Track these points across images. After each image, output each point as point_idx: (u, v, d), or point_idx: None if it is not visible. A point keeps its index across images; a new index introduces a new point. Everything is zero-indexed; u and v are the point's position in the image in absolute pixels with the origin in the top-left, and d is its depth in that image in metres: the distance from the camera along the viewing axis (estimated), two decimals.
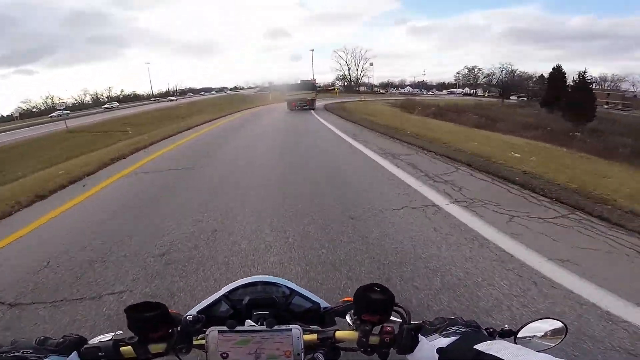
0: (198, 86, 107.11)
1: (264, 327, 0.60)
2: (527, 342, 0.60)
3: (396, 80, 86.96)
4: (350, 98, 41.19)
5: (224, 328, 0.60)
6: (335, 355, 0.64)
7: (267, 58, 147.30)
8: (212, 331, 0.60)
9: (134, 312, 0.55)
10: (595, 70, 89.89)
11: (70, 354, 0.55)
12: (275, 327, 0.60)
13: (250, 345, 0.59)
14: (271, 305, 0.69)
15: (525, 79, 67.71)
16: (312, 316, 0.71)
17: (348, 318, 0.66)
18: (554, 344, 0.60)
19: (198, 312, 0.67)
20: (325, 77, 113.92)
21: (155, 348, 0.58)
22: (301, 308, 0.71)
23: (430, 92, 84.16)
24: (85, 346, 0.57)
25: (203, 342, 0.61)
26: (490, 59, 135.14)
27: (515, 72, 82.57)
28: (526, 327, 0.60)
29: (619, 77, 66.82)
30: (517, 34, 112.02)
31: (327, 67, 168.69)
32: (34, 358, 0.52)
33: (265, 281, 0.72)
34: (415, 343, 0.58)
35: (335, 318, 0.71)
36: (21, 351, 0.53)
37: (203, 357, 0.60)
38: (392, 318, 0.62)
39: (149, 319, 0.55)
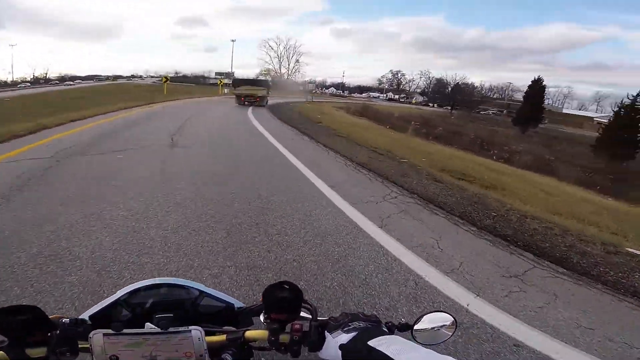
0: (85, 73, 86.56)
1: (156, 330, 0.58)
2: (423, 334, 0.63)
3: (318, 80, 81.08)
4: (285, 98, 32.76)
5: (109, 331, 0.57)
6: (247, 356, 0.63)
7: (178, 47, 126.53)
8: (96, 334, 0.57)
9: (3, 316, 0.52)
10: (476, 79, 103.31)
11: None
12: (171, 329, 0.58)
13: (144, 348, 0.58)
14: (177, 308, 0.65)
15: (472, 89, 67.37)
16: (227, 317, 0.69)
17: (262, 317, 0.64)
18: (446, 337, 0.64)
19: (91, 316, 0.63)
20: (246, 71, 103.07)
21: (34, 352, 0.55)
22: (212, 309, 0.69)
23: (347, 94, 79.99)
24: None
25: (88, 345, 0.57)
26: (397, 65, 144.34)
27: (431, 79, 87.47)
28: (421, 320, 0.63)
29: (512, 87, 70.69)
30: (422, 42, 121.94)
31: (247, 61, 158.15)
32: None
33: (171, 283, 0.68)
34: (323, 340, 0.58)
35: (254, 318, 0.69)
36: None
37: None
38: (303, 315, 0.62)
39: (19, 323, 0.53)
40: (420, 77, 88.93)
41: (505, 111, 61.86)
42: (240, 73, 78.35)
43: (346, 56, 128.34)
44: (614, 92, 71.61)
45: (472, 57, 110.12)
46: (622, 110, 24.64)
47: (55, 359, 0.56)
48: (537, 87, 37.98)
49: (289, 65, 72.17)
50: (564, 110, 68.67)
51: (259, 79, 25.35)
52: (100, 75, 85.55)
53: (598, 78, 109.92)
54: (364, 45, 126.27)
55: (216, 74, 74.60)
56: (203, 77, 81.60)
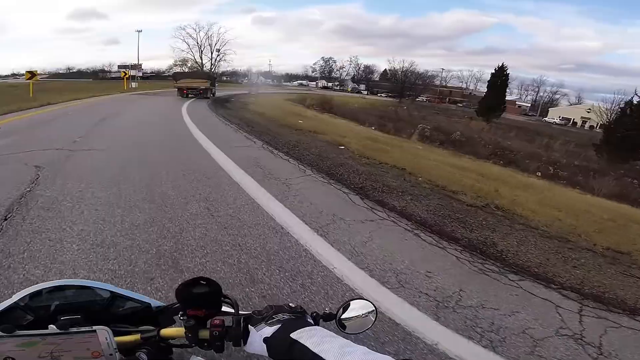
0: None
1: (56, 330, 0.57)
2: (348, 322, 0.64)
3: (241, 69, 73.74)
4: (223, 91, 26.34)
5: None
6: (165, 354, 0.63)
7: (72, 42, 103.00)
8: None
9: None
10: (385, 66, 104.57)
11: None
12: (73, 329, 0.57)
13: (41, 347, 0.56)
14: (86, 310, 0.63)
15: (420, 76, 63.10)
16: (145, 317, 0.67)
17: (180, 315, 0.63)
18: (369, 324, 0.66)
19: None
20: (158, 63, 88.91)
21: None
22: (127, 310, 0.67)
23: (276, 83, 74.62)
24: None
25: None
26: (320, 52, 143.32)
27: (360, 66, 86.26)
28: (344, 309, 0.64)
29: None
30: (343, 30, 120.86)
31: (159, 52, 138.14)
32: None
33: (78, 285, 0.65)
34: (247, 334, 0.57)
35: (176, 317, 0.66)
36: None
37: None
38: (225, 310, 0.61)
39: None
40: (350, 64, 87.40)
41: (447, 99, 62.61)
42: (150, 65, 66.73)
43: (270, 45, 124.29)
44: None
45: (387, 44, 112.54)
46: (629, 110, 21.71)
47: None
48: (501, 76, 36.29)
49: (211, 54, 63.12)
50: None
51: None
52: None
53: (491, 62, 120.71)
54: (288, 33, 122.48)
55: (119, 66, 63.41)
56: (103, 70, 68.29)
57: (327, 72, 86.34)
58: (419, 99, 60.32)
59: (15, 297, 0.62)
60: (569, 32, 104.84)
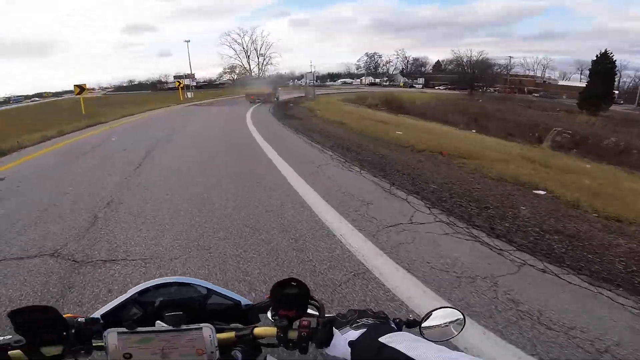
0: (31, 92, 73.98)
1: (168, 327, 0.59)
2: (431, 331, 0.61)
3: (285, 72, 72.88)
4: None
5: (123, 329, 0.57)
6: (255, 352, 0.64)
7: (127, 55, 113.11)
8: (111, 332, 0.57)
9: (21, 316, 0.53)
10: (435, 56, 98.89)
11: None
12: (183, 327, 0.58)
13: (155, 344, 0.58)
14: (186, 306, 0.64)
15: (491, 66, 55.74)
16: (234, 314, 0.69)
17: (269, 314, 0.64)
18: (454, 334, 0.62)
19: (103, 315, 0.63)
20: (209, 72, 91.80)
21: (50, 351, 0.56)
22: (220, 307, 0.69)
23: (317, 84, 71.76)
24: None
25: (103, 344, 0.58)
26: (357, 49, 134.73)
27: (408, 59, 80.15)
28: (429, 317, 0.62)
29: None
30: (378, 24, 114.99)
31: (208, 60, 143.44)
32: None
33: (180, 282, 0.68)
34: (330, 336, 0.57)
35: (261, 315, 0.68)
36: None
37: (105, 358, 0.57)
38: (310, 312, 0.62)
39: (36, 323, 0.54)
40: (397, 58, 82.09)
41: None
42: (201, 74, 68.34)
43: (307, 46, 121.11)
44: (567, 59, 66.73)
45: (428, 35, 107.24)
46: None
47: (70, 357, 0.57)
48: (606, 62, 31.20)
49: (258, 59, 62.79)
50: (560, 82, 62.09)
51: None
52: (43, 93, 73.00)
53: (550, 47, 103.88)
54: (323, 33, 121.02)
55: (174, 77, 65.35)
56: (160, 82, 71.30)
57: (373, 67, 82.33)
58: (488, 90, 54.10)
59: (130, 293, 0.65)
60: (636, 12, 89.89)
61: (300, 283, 0.58)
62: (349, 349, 0.53)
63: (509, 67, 62.18)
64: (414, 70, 79.00)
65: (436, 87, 60.08)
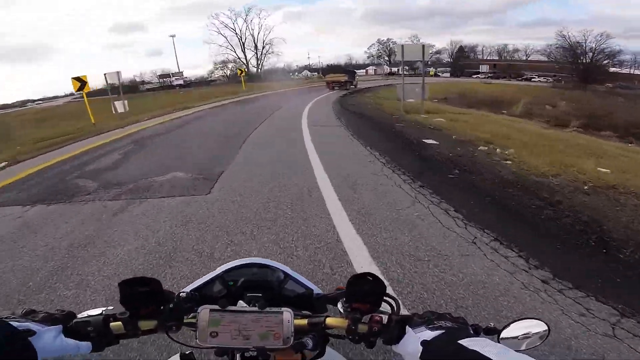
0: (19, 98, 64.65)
1: (255, 309, 0.60)
2: (510, 341, 0.60)
3: (281, 65, 67.21)
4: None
5: (216, 307, 0.59)
6: (324, 342, 0.65)
7: (116, 56, 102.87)
8: (204, 309, 0.59)
9: (128, 287, 0.54)
10: (437, 45, 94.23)
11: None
12: (267, 309, 0.60)
13: (239, 325, 0.59)
14: (264, 288, 0.68)
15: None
16: (304, 301, 0.70)
17: (339, 306, 0.64)
18: (536, 344, 0.61)
19: (192, 291, 0.66)
20: (200, 71, 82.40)
21: (145, 325, 0.57)
22: (294, 293, 0.70)
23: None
24: (74, 320, 0.56)
25: (194, 320, 0.59)
26: (357, 40, 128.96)
27: (455, 46, 69.56)
28: (510, 326, 0.61)
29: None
30: (376, 15, 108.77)
31: (199, 59, 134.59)
32: (20, 326, 0.50)
33: (261, 263, 0.72)
34: (402, 334, 0.57)
35: (327, 306, 0.70)
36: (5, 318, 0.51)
37: (192, 335, 0.59)
38: (380, 309, 0.61)
39: (142, 295, 0.55)
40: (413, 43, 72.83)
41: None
42: (194, 73, 59.75)
43: (303, 39, 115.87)
44: None
45: (425, 25, 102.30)
46: None
47: (162, 332, 0.58)
48: None
49: (256, 47, 53.22)
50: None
51: (342, 66, 35.08)
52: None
53: (546, 33, 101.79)
54: (321, 25, 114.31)
55: (159, 76, 58.84)
56: (143, 82, 62.16)
57: (387, 56, 73.27)
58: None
59: (219, 270, 0.69)
60: None
61: (377, 278, 0.58)
62: (421, 347, 0.51)
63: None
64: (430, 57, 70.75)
65: (475, 76, 50.03)
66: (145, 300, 0.55)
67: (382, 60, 72.78)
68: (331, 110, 11.78)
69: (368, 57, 74.15)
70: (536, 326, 0.60)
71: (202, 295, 0.65)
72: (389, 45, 72.58)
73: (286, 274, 0.70)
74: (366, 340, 0.58)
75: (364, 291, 0.58)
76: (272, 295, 0.66)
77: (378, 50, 72.98)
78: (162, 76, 56.35)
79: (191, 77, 58.13)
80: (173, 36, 55.49)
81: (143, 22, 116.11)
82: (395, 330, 0.56)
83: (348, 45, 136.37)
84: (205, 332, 0.58)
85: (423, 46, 9.09)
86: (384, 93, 19.13)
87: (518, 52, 60.08)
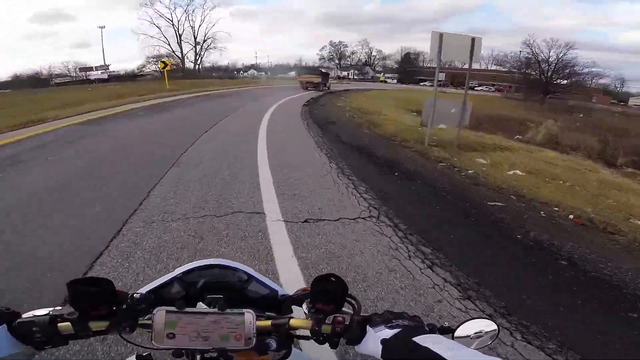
0: None
1: (215, 310, 0.59)
2: (464, 339, 0.62)
3: (224, 63, 63.03)
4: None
5: (172, 308, 0.58)
6: (288, 342, 0.64)
7: (37, 46, 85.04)
8: (160, 311, 0.58)
9: (77, 287, 0.53)
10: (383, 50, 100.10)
11: None
12: (227, 311, 0.59)
13: (199, 327, 0.58)
14: (226, 290, 0.66)
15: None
16: (269, 303, 0.68)
17: (304, 307, 0.64)
18: (487, 343, 0.63)
19: (148, 292, 0.63)
20: (128, 65, 71.59)
21: (97, 325, 0.56)
22: (258, 294, 0.68)
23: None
24: (18, 320, 0.54)
25: (149, 321, 0.58)
26: (305, 41, 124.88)
27: (372, 50, 69.24)
28: (463, 325, 0.62)
29: None
30: (327, 17, 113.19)
31: (133, 52, 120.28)
32: None
33: (223, 265, 0.69)
34: (363, 334, 0.58)
35: (293, 307, 0.69)
36: None
37: (148, 336, 0.57)
38: (343, 309, 0.62)
39: (92, 295, 0.54)
40: (362, 49, 71.52)
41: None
42: (124, 66, 52.33)
43: (254, 38, 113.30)
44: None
45: (373, 29, 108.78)
46: None
47: (114, 333, 0.57)
48: None
49: (195, 41, 46.66)
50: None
51: (318, 68, 36.21)
52: None
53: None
54: (272, 24, 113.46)
55: (80, 69, 49.46)
56: (54, 75, 51.76)
57: (338, 58, 70.75)
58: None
59: (177, 271, 0.66)
60: (550, 11, 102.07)
61: (340, 279, 0.58)
62: (381, 346, 0.53)
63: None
64: (375, 62, 69.94)
65: (422, 84, 49.10)
66: (96, 300, 0.54)
67: (332, 63, 71.03)
68: (306, 135, 7.13)
69: (320, 59, 71.42)
70: (487, 326, 0.62)
71: (159, 296, 0.62)
72: (340, 49, 71.35)
73: (249, 275, 0.68)
74: (330, 341, 0.59)
75: (327, 291, 0.58)
76: (234, 297, 0.64)
77: (330, 52, 70.98)
78: (83, 69, 47.95)
79: (119, 71, 50.12)
80: (102, 27, 47.12)
81: (69, 12, 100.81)
82: (357, 330, 0.57)
83: (299, 46, 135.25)
84: (161, 333, 0.57)
85: (473, 39, 5.34)
86: (356, 101, 15.28)
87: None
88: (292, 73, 57.36)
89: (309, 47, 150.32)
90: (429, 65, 61.93)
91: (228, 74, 53.69)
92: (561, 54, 34.77)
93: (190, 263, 0.69)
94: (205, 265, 0.68)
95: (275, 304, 0.68)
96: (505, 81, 48.50)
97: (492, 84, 53.08)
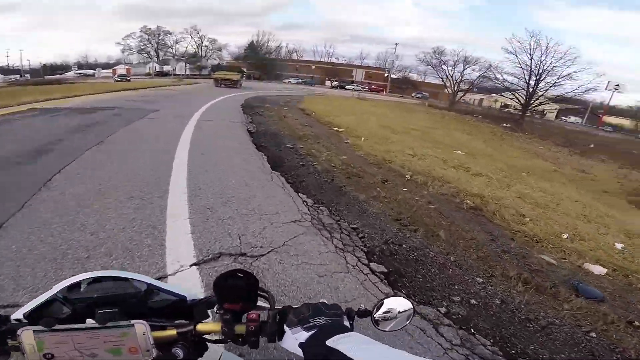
0: None
1: (91, 325, 0.57)
2: (383, 321, 0.64)
3: None
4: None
5: (40, 327, 0.55)
6: (201, 349, 0.63)
7: None
8: (25, 331, 0.55)
9: None
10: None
11: None
12: (110, 324, 0.57)
13: (77, 345, 0.56)
14: (123, 303, 0.62)
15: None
16: (179, 311, 0.66)
17: (215, 309, 0.62)
18: (405, 324, 0.64)
19: (27, 315, 0.60)
20: None
21: None
22: (165, 303, 0.66)
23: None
24: None
25: (17, 344, 0.56)
26: (97, 37, 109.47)
27: (203, 39, 55.19)
28: (380, 306, 0.64)
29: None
30: (130, 10, 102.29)
31: None
32: None
33: (115, 276, 0.65)
34: (282, 329, 0.57)
35: (210, 310, 0.66)
36: None
37: (23, 359, 0.55)
38: (260, 304, 0.61)
39: None
40: (192, 37, 56.14)
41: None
42: None
43: (15, 33, 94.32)
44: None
45: (187, 23, 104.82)
46: None
47: None
48: None
49: None
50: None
51: (233, 65, 35.83)
52: None
53: (291, 37, 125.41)
54: (44, 20, 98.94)
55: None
56: None
57: (156, 49, 53.84)
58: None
59: (55, 289, 0.62)
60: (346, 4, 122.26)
61: (247, 273, 0.56)
62: (300, 350, 0.54)
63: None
64: (211, 55, 56.75)
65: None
66: None
67: (143, 55, 53.83)
68: None
69: (124, 51, 53.95)
70: (402, 305, 0.63)
71: (37, 318, 0.58)
72: (159, 35, 53.37)
73: (149, 285, 0.65)
74: (248, 341, 0.56)
75: (232, 289, 0.55)
76: (134, 309, 0.61)
77: (141, 42, 52.75)
78: None
79: None
80: None
81: None
82: (274, 326, 0.56)
83: (87, 40, 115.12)
84: (34, 354, 0.54)
85: None
86: None
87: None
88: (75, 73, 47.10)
89: (105, 41, 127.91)
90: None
91: None
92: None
93: (72, 277, 0.64)
94: (90, 278, 0.64)
95: (185, 311, 0.65)
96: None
97: (368, 82, 51.51)
